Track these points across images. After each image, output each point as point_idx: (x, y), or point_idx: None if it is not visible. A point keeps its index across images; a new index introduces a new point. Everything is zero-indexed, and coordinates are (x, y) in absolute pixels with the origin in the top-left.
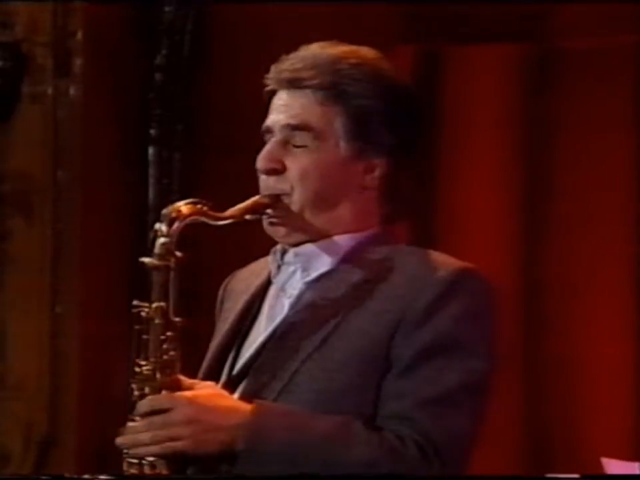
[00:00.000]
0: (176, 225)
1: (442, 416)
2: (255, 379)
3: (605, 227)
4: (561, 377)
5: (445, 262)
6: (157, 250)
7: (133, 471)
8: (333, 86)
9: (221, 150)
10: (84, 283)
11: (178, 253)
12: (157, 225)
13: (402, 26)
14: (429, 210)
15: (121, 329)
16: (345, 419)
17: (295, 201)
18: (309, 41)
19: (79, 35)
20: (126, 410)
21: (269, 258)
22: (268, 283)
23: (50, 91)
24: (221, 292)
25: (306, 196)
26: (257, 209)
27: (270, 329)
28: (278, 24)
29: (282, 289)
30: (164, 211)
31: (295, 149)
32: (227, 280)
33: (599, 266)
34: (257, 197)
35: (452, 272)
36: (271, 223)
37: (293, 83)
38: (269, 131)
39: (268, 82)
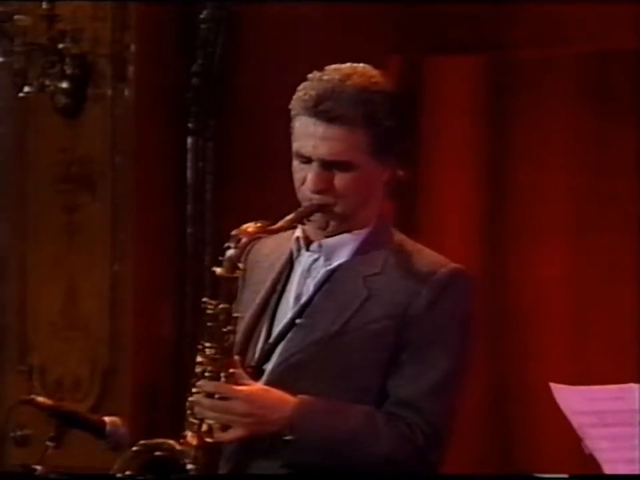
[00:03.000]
0: (243, 241)
1: (441, 400)
2: (285, 352)
3: (559, 208)
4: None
5: (439, 261)
6: (225, 262)
7: (191, 432)
8: (363, 117)
9: (247, 139)
10: (137, 246)
11: (241, 265)
12: (227, 244)
13: (389, 37)
14: (412, 193)
15: (166, 283)
16: (369, 412)
17: (339, 210)
18: (314, 48)
19: (132, 48)
20: (171, 347)
21: (292, 244)
22: (290, 263)
23: (109, 92)
24: (243, 259)
25: (348, 206)
26: (302, 219)
27: (297, 307)
28: (293, 30)
29: (308, 271)
30: (233, 232)
31: (336, 172)
32: (248, 248)
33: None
34: (302, 209)
35: (447, 273)
36: (320, 223)
37: (327, 117)
38: (304, 156)
39: (296, 108)
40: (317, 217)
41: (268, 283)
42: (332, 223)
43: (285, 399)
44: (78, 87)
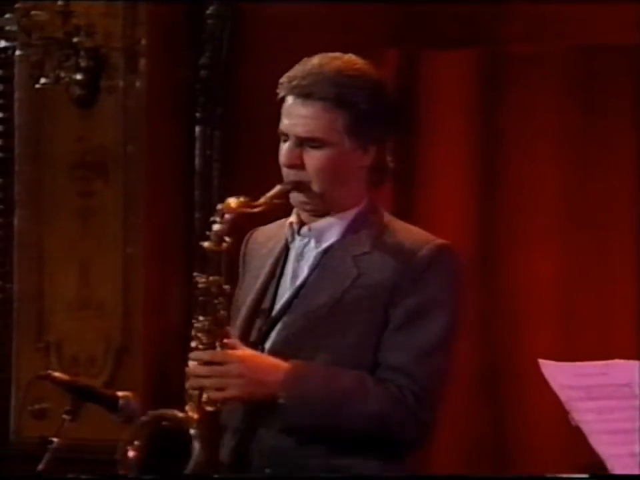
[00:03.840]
0: (226, 216)
1: (430, 364)
2: (283, 331)
3: (550, 200)
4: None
5: (425, 239)
6: (212, 236)
7: (192, 402)
8: (337, 96)
9: (252, 128)
10: (148, 230)
11: (227, 239)
12: (212, 218)
13: (387, 31)
14: (410, 177)
15: (176, 264)
16: (359, 374)
17: (315, 188)
18: (314, 43)
19: (143, 41)
20: (181, 329)
21: (286, 229)
22: (286, 248)
23: (121, 84)
24: (242, 248)
25: (322, 184)
26: (282, 195)
27: (293, 288)
28: (293, 26)
29: (301, 254)
30: (218, 206)
31: (310, 149)
32: (246, 237)
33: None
34: (280, 185)
35: (433, 249)
36: (299, 202)
37: (303, 94)
38: (285, 134)
39: (280, 89)
40: (297, 195)
41: (267, 269)
42: (311, 202)
43: (277, 363)
44: (92, 79)
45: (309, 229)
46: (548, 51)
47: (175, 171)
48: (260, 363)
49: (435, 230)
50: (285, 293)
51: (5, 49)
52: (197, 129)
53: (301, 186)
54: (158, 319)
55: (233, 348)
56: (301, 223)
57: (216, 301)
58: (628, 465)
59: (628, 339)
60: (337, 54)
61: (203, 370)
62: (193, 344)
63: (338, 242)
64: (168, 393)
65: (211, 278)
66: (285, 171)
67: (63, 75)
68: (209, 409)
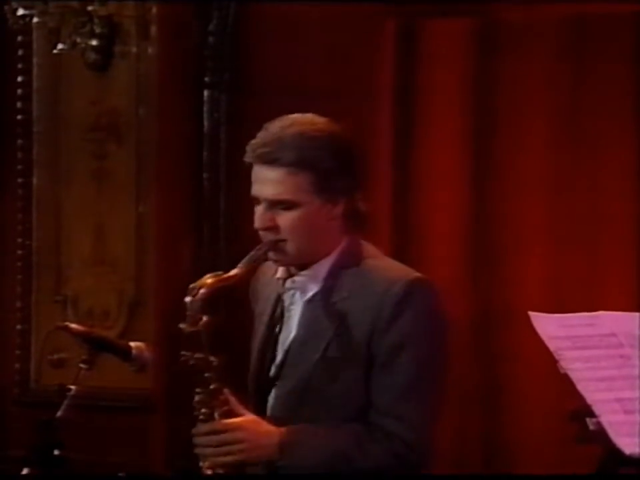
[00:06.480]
0: (202, 292)
1: (415, 400)
2: (283, 383)
3: (543, 182)
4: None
5: (397, 277)
6: (188, 318)
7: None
8: (300, 159)
9: (257, 92)
10: (159, 189)
11: (205, 318)
12: (186, 299)
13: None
14: (408, 153)
15: (185, 222)
16: (354, 431)
17: (291, 246)
18: (316, 11)
19: (154, 9)
20: (190, 283)
21: (277, 284)
22: (279, 299)
23: (134, 50)
24: (250, 290)
25: (298, 241)
26: (256, 261)
27: (289, 340)
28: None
29: (291, 304)
30: (190, 286)
31: (281, 211)
32: (252, 282)
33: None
34: (254, 251)
35: (406, 284)
36: (276, 262)
37: (267, 160)
38: (255, 198)
39: (246, 156)
40: (274, 255)
41: (265, 319)
42: (288, 259)
43: (272, 429)
44: (106, 44)
45: (293, 282)
46: (540, 19)
47: (185, 133)
48: (257, 427)
49: (430, 211)
50: (284, 344)
51: (23, 16)
52: (205, 93)
53: (276, 246)
54: (168, 274)
55: (234, 413)
56: (288, 275)
57: (206, 375)
58: (614, 409)
59: None
60: (298, 115)
61: (204, 440)
62: (195, 413)
63: (320, 291)
64: (178, 344)
65: (196, 355)
66: (261, 233)
67: (78, 40)
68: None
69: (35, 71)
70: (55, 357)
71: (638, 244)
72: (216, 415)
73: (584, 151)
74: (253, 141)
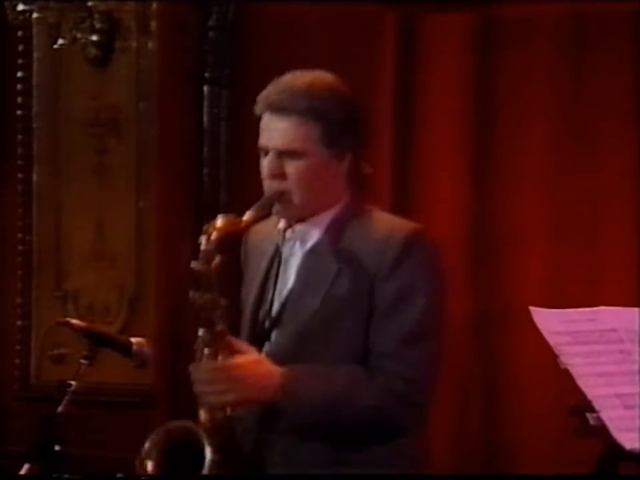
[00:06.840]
0: (213, 235)
1: (417, 347)
2: (279, 338)
3: (539, 171)
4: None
5: (399, 226)
6: (200, 257)
7: (203, 409)
8: (310, 108)
9: (257, 87)
10: (159, 185)
11: (217, 258)
12: (200, 239)
13: None
14: (407, 142)
15: (185, 217)
16: (352, 371)
17: (296, 197)
18: (316, 6)
19: (154, 5)
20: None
21: (278, 234)
22: (278, 251)
23: (134, 45)
24: (243, 247)
25: (303, 193)
26: (264, 208)
27: (286, 289)
28: None
29: (290, 256)
30: (204, 227)
31: (289, 160)
32: (244, 238)
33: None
34: (262, 198)
35: (406, 235)
36: (281, 213)
37: (278, 108)
38: (264, 148)
39: (257, 107)
40: (278, 206)
41: (262, 271)
42: (292, 211)
43: (273, 369)
44: (106, 39)
45: (293, 231)
46: (541, 16)
47: (185, 128)
48: (258, 368)
49: (430, 210)
50: (281, 294)
51: (23, 11)
52: (206, 88)
53: (282, 197)
54: (169, 269)
55: (239, 351)
56: (288, 226)
57: (214, 316)
58: (614, 404)
59: None
60: (308, 71)
61: (203, 376)
62: (197, 354)
63: (320, 240)
64: (178, 339)
65: (205, 295)
66: (266, 184)
67: (79, 35)
68: (218, 414)
69: (35, 66)
70: (55, 352)
71: (638, 242)
72: (220, 356)
73: (584, 148)
74: (264, 92)
